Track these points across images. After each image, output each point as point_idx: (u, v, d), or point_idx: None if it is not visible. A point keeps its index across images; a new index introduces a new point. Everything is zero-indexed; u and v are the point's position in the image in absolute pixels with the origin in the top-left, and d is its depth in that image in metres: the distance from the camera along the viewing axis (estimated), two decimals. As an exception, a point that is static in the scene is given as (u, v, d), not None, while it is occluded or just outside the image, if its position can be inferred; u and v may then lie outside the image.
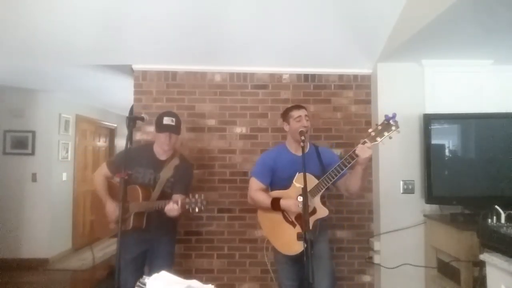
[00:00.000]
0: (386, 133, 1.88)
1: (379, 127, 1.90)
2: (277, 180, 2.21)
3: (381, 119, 2.90)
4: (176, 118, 2.25)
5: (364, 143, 1.91)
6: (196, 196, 2.02)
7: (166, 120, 2.20)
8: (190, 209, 2.01)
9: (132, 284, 2.02)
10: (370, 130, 1.93)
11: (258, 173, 2.26)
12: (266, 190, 2.25)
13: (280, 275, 2.27)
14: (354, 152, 1.92)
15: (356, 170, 2.02)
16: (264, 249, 2.43)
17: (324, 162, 2.17)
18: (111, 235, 2.27)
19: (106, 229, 2.28)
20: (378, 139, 1.90)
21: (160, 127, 2.21)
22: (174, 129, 2.23)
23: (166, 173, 2.23)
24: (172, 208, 2.02)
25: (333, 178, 1.99)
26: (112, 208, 2.21)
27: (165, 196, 2.20)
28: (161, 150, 2.27)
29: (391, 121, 1.87)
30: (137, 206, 2.12)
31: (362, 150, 1.89)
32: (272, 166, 2.22)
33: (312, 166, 2.09)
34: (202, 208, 2.01)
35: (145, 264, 2.32)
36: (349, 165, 1.96)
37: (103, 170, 2.32)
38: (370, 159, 1.95)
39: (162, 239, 2.29)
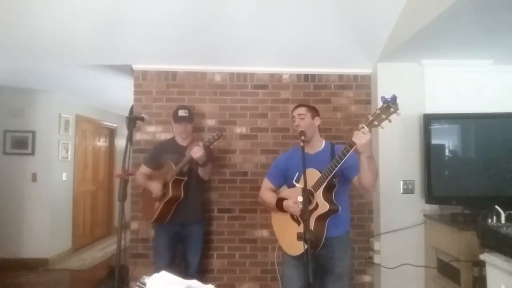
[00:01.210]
0: (384, 116, 1.76)
1: (378, 111, 1.78)
2: (290, 179, 2.18)
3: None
4: (189, 110, 2.71)
5: (361, 128, 1.80)
6: (212, 134, 2.47)
7: (181, 113, 2.65)
8: (211, 145, 2.47)
9: (168, 262, 2.56)
10: (369, 116, 1.83)
11: (270, 175, 2.30)
12: (277, 192, 2.26)
13: (284, 280, 2.20)
14: (351, 139, 1.82)
15: (361, 161, 1.91)
16: (276, 249, 2.37)
17: None
18: (153, 219, 2.60)
19: (150, 213, 2.63)
20: (376, 122, 1.78)
21: (177, 119, 2.66)
22: (188, 119, 2.68)
23: (189, 154, 2.54)
24: (195, 149, 2.41)
25: (333, 169, 1.91)
26: (155, 185, 2.57)
27: (192, 171, 2.63)
28: (180, 138, 2.71)
29: (390, 104, 1.74)
30: (173, 173, 2.51)
31: (358, 136, 1.78)
32: (283, 168, 2.23)
33: (323, 164, 2.02)
34: (219, 139, 2.47)
35: (178, 245, 2.69)
36: (347, 154, 1.86)
37: (143, 169, 2.74)
38: (370, 146, 1.83)
39: (193, 225, 2.68)
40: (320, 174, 1.96)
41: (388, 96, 1.74)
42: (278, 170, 2.26)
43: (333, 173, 1.93)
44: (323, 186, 1.96)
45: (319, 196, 1.98)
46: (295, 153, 2.22)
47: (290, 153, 2.30)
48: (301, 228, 1.96)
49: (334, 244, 2.06)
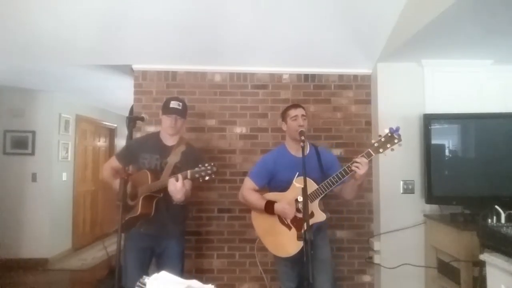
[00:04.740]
0: (389, 145, 1.91)
1: (383, 139, 1.92)
2: (276, 182, 2.20)
3: (381, 119, 2.92)
4: (183, 103, 2.26)
5: (361, 156, 1.92)
6: (206, 164, 1.92)
7: (173, 104, 2.21)
8: (201, 179, 1.91)
9: (137, 279, 2.04)
10: (373, 141, 1.94)
11: (255, 175, 2.26)
12: (260, 192, 2.24)
13: (280, 276, 2.27)
14: (350, 168, 1.93)
15: (352, 185, 2.05)
16: (255, 249, 2.41)
17: (324, 164, 2.17)
18: (114, 229, 2.17)
19: (112, 222, 2.23)
20: (381, 150, 1.92)
21: (167, 110, 2.21)
22: (181, 113, 2.23)
23: (173, 159, 2.20)
24: (173, 181, 1.94)
25: (331, 186, 2.00)
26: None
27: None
28: (167, 135, 2.26)
29: (394, 134, 1.90)
30: (146, 189, 2.08)
31: (358, 168, 1.90)
32: (271, 169, 2.22)
33: (312, 169, 2.07)
34: (213, 175, 1.91)
35: (151, 263, 2.27)
36: (343, 178, 1.97)
37: (112, 162, 2.34)
38: (366, 174, 1.95)
39: (170, 240, 2.24)
40: (317, 186, 2.03)
41: (394, 127, 1.91)
42: (265, 171, 2.23)
43: (329, 190, 2.02)
44: (319, 198, 2.04)
45: (315, 206, 2.04)
46: (282, 154, 2.25)
47: (276, 154, 2.28)
48: (293, 232, 2.02)
49: (314, 234, 2.08)
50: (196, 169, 1.93)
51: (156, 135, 2.35)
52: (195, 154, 2.32)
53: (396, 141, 1.90)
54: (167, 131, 2.24)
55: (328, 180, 2.00)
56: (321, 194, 2.02)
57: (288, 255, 2.04)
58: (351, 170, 1.93)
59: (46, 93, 4.53)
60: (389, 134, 1.91)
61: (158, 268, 2.19)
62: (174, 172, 2.14)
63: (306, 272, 1.56)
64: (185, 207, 2.26)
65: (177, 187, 1.95)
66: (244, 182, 2.29)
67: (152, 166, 2.21)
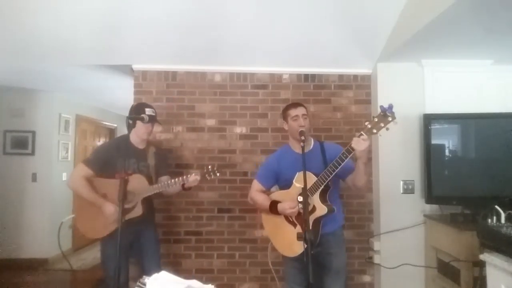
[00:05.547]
0: (382, 125, 1.82)
1: (375, 119, 1.84)
2: (282, 180, 2.21)
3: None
4: (155, 110, 2.42)
5: (360, 135, 1.85)
6: (209, 167, 2.27)
7: (148, 111, 2.32)
8: (208, 178, 2.28)
9: (122, 281, 2.09)
10: (366, 123, 1.88)
11: (260, 176, 2.29)
12: (267, 193, 2.25)
13: (287, 277, 2.25)
14: (350, 145, 1.87)
15: (357, 165, 1.98)
16: (269, 249, 2.41)
17: (328, 158, 2.13)
18: (102, 236, 2.25)
19: (95, 228, 2.25)
20: (375, 130, 1.84)
21: (143, 117, 2.28)
22: (155, 119, 2.39)
23: (151, 161, 2.42)
24: (196, 179, 2.23)
25: (331, 174, 1.94)
26: (112, 209, 2.15)
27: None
28: (138, 139, 2.38)
29: (387, 112, 1.80)
30: (149, 190, 2.25)
31: (358, 143, 1.83)
32: (275, 169, 2.22)
33: (315, 164, 2.05)
34: (217, 175, 2.29)
35: (131, 256, 2.37)
36: (346, 159, 1.90)
37: (83, 171, 2.26)
38: (368, 152, 1.92)
39: (147, 230, 2.42)
40: (316, 178, 1.98)
41: (386, 104, 1.80)
42: (270, 172, 2.25)
43: (330, 178, 1.96)
44: (319, 190, 1.99)
45: (316, 199, 2.01)
46: (285, 153, 2.24)
47: (279, 154, 2.29)
48: (299, 229, 1.99)
49: (329, 240, 2.10)
50: (205, 170, 2.26)
51: (125, 139, 2.26)
52: (165, 154, 2.64)
53: (389, 119, 1.79)
54: (142, 136, 2.38)
55: (325, 170, 1.95)
56: (321, 185, 1.96)
57: (295, 254, 2.01)
58: (352, 149, 1.85)
59: (46, 93, 4.53)
60: (382, 113, 1.80)
61: (140, 260, 2.38)
62: (153, 172, 2.42)
63: (306, 272, 1.56)
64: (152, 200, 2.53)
65: (197, 181, 2.27)
66: (252, 185, 2.31)
67: (131, 169, 2.26)
